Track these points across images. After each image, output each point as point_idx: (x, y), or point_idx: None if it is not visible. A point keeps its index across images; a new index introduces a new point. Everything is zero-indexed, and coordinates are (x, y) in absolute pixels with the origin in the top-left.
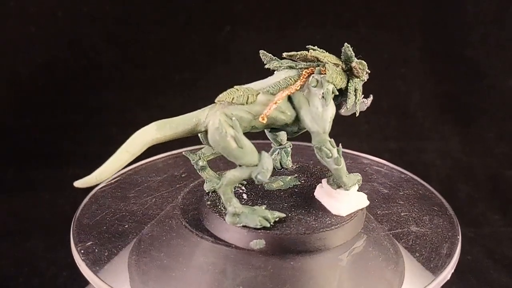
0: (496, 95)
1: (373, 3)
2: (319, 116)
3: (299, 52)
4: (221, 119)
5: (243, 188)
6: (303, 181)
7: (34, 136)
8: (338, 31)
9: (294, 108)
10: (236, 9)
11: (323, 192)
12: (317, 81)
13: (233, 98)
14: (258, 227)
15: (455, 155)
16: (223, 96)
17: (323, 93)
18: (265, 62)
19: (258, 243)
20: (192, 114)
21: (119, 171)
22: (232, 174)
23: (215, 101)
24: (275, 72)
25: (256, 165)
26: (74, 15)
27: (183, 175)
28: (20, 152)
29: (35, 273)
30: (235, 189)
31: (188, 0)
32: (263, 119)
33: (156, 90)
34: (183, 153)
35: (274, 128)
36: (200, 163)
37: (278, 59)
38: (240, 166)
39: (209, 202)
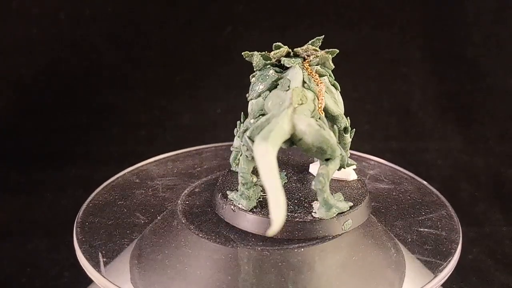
0: (497, 95)
1: (375, 3)
2: (338, 100)
3: (279, 50)
4: (312, 120)
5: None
6: (290, 170)
7: (37, 137)
8: (340, 31)
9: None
10: (237, 10)
11: None
12: (325, 70)
13: (301, 99)
14: (348, 209)
15: (457, 155)
16: (296, 100)
17: (330, 80)
18: (254, 64)
19: (348, 224)
20: (279, 126)
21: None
22: (329, 169)
23: (293, 106)
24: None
25: (341, 154)
26: (76, 16)
27: (183, 176)
28: (23, 153)
29: (38, 274)
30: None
31: (189, 1)
32: (322, 113)
33: (158, 90)
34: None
35: None
36: (254, 179)
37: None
38: (327, 160)
39: None
